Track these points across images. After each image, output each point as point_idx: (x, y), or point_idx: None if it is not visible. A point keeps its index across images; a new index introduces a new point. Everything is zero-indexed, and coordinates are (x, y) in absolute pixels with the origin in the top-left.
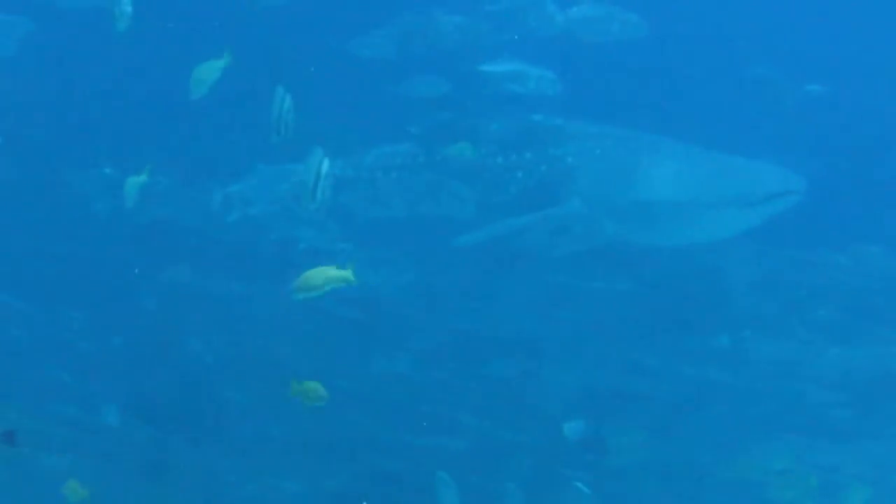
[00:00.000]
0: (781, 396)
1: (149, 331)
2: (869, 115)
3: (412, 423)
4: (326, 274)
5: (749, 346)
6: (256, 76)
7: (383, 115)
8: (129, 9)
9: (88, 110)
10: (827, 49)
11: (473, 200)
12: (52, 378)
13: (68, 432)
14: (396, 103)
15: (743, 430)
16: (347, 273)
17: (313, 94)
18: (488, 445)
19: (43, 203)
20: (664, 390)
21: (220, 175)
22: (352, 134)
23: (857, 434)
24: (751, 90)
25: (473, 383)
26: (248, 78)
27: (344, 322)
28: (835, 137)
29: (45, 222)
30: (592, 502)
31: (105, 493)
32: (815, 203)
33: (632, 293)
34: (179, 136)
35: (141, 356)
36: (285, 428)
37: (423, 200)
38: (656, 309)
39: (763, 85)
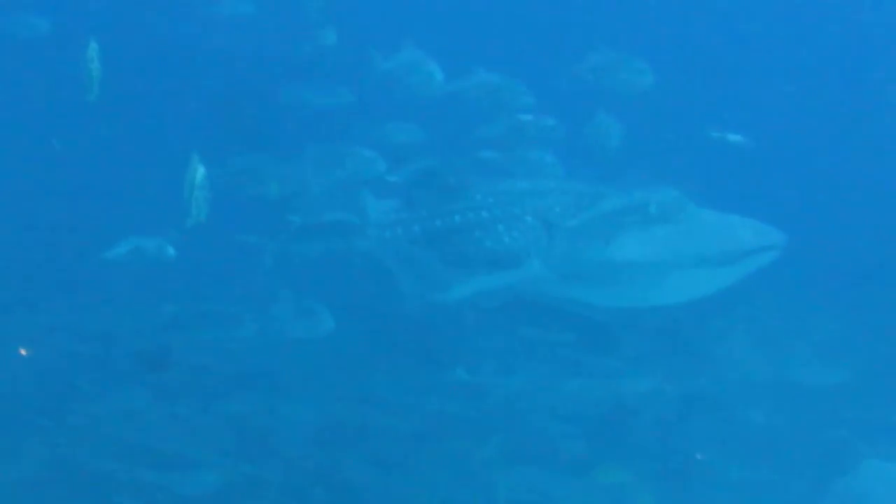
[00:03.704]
0: (519, 429)
1: None
2: None
3: (148, 459)
4: None
5: (486, 379)
6: None
7: None
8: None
9: None
10: None
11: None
12: None
13: None
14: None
15: (481, 463)
16: None
17: None
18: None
19: None
20: (402, 423)
21: None
22: None
23: (589, 465)
24: None
25: (210, 419)
26: None
27: (80, 358)
28: None
29: None
30: None
31: None
32: None
33: (369, 328)
34: None
35: None
36: (16, 471)
37: None
38: (394, 343)
39: None
